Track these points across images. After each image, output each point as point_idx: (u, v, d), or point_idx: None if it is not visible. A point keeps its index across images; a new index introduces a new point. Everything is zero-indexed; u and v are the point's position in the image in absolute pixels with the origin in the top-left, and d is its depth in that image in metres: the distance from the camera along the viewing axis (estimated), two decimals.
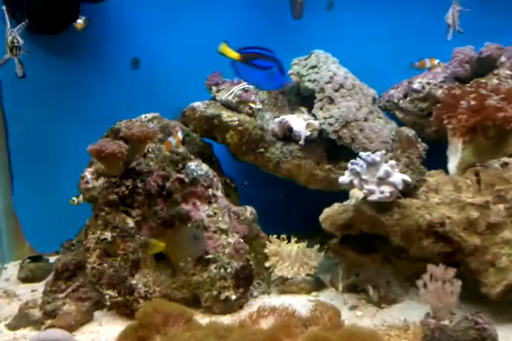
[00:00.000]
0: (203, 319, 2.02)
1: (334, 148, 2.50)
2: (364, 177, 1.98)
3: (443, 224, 1.87)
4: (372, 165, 1.97)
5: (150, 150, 2.21)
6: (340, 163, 2.46)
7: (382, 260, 2.28)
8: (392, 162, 1.95)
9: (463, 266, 1.94)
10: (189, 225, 2.15)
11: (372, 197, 1.92)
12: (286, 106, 2.79)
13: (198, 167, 2.21)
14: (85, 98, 2.78)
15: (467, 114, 2.00)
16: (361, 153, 1.98)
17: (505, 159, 2.06)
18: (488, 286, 1.84)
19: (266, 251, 2.40)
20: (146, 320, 1.62)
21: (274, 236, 2.45)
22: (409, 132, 2.58)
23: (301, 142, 2.45)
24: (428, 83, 2.74)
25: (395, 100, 2.85)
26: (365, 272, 2.27)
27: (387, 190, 1.89)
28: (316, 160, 2.48)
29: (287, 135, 2.50)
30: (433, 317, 1.73)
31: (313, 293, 2.34)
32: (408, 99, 2.80)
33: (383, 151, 1.96)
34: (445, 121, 2.12)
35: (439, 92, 2.67)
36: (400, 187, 1.91)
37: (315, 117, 2.50)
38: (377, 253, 2.28)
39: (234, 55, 1.87)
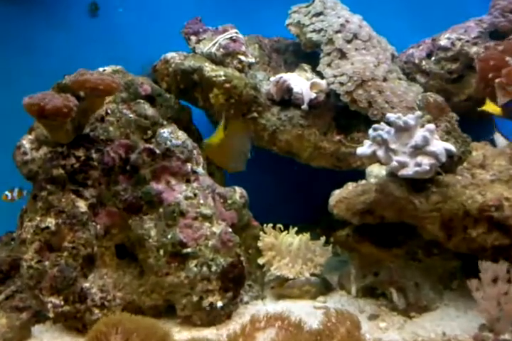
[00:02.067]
0: (180, 333, 1.67)
1: (345, 115, 2.13)
2: (392, 146, 1.60)
3: (500, 208, 1.51)
4: (403, 130, 1.60)
5: (109, 111, 1.81)
6: (352, 134, 2.09)
7: (407, 256, 1.92)
8: (431, 126, 1.57)
9: None
10: (161, 210, 1.74)
11: (406, 172, 1.54)
12: (282, 66, 2.41)
13: (172, 135, 1.81)
14: (31, 52, 2.40)
15: None
16: (389, 115, 1.60)
17: None
18: None
19: (259, 244, 2.03)
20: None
21: (270, 225, 2.07)
22: (438, 97, 2.20)
23: (304, 106, 2.06)
24: (459, 39, 2.38)
25: (416, 61, 2.48)
26: (386, 271, 1.91)
27: (425, 161, 1.52)
28: (323, 129, 2.11)
29: (286, 98, 2.11)
30: (490, 330, 1.38)
31: (320, 298, 2.00)
32: (433, 58, 2.44)
33: (419, 113, 1.58)
34: (497, 80, 1.74)
35: (473, 50, 2.31)
36: (443, 158, 1.54)
37: (321, 76, 2.10)
38: (400, 247, 1.92)
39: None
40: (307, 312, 1.83)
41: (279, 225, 2.10)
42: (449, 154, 1.58)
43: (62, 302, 1.58)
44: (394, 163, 1.59)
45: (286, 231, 2.07)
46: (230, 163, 1.83)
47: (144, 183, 1.76)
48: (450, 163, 1.63)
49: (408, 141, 1.59)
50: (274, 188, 2.51)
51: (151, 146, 1.78)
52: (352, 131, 2.11)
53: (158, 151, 1.78)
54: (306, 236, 2.07)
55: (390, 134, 1.62)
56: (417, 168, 1.53)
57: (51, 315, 1.60)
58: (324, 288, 2.04)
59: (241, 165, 1.89)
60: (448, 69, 2.37)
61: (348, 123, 2.13)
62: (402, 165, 1.57)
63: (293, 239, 2.05)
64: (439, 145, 1.55)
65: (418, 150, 1.55)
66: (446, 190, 1.59)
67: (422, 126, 1.60)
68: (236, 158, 1.80)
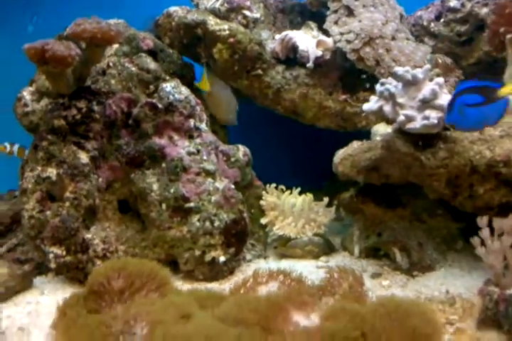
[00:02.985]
0: (182, 287, 1.65)
1: (352, 75, 2.09)
2: (400, 100, 1.57)
3: (508, 163, 1.48)
4: (411, 84, 1.56)
5: (111, 64, 1.77)
6: (358, 94, 2.04)
7: (411, 217, 1.91)
8: (440, 79, 1.54)
9: None
10: (163, 165, 1.72)
11: (413, 126, 1.52)
12: (287, 27, 2.36)
13: (175, 90, 1.77)
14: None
15: None
16: (397, 68, 1.57)
17: None
18: None
19: (262, 203, 2.01)
20: (101, 285, 1.21)
21: (273, 185, 2.06)
22: (447, 59, 2.16)
23: (310, 65, 2.02)
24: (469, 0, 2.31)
25: (425, 23, 2.42)
26: (389, 231, 1.90)
27: (433, 115, 1.49)
28: (328, 89, 2.07)
29: (291, 56, 2.06)
30: (496, 285, 1.36)
31: (323, 258, 1.99)
32: (442, 20, 2.38)
33: (428, 66, 1.55)
34: (502, 29, 1.69)
35: (483, 11, 2.25)
36: None
37: (327, 35, 2.06)
38: (404, 208, 1.91)
39: None
40: (309, 271, 1.82)
41: (282, 186, 2.08)
42: None
43: (64, 253, 1.57)
44: (401, 117, 1.56)
45: (289, 191, 2.06)
46: (220, 112, 1.81)
47: (146, 138, 1.73)
48: None
49: (416, 94, 1.55)
50: (274, 153, 2.47)
51: (154, 100, 1.75)
52: (358, 90, 2.07)
53: (160, 106, 1.75)
54: (310, 196, 2.06)
55: (398, 88, 1.59)
56: (425, 122, 1.50)
57: (53, 265, 1.59)
58: (327, 248, 2.03)
59: (233, 118, 1.88)
60: (457, 31, 2.32)
61: (354, 83, 2.09)
62: (410, 119, 1.54)
63: (296, 199, 2.04)
64: (448, 99, 1.52)
65: (426, 103, 1.52)
66: (454, 145, 1.56)
67: (431, 80, 1.57)
68: (226, 108, 1.78)
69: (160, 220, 1.67)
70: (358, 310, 1.24)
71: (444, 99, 1.52)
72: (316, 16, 2.29)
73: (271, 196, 2.04)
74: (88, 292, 1.25)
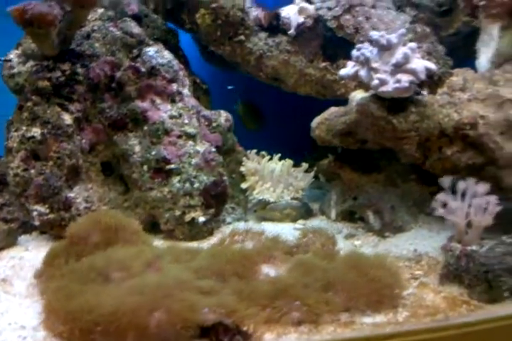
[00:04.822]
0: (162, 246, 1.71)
1: (332, 43, 2.11)
2: (374, 65, 1.61)
3: (475, 126, 1.53)
4: (386, 48, 1.60)
5: (96, 28, 1.79)
6: (339, 61, 2.07)
7: (385, 182, 1.96)
8: (413, 44, 1.57)
9: (493, 183, 1.61)
10: (145, 128, 1.76)
11: (385, 88, 1.56)
12: None
13: (158, 54, 1.80)
14: None
15: None
16: (372, 33, 1.59)
17: None
18: None
19: (242, 169, 2.06)
20: (80, 236, 1.26)
21: (253, 151, 2.10)
22: (426, 29, 2.18)
23: (292, 32, 2.04)
24: None
25: None
26: (365, 195, 1.96)
27: (405, 78, 1.53)
28: (310, 56, 2.09)
29: (274, 24, 2.08)
30: (458, 242, 1.42)
31: (300, 221, 2.05)
32: None
33: (403, 30, 1.57)
34: (476, 0, 1.72)
35: None
36: (422, 76, 1.55)
37: (309, 1, 2.07)
38: (379, 173, 1.96)
39: None
40: (287, 232, 1.87)
41: (263, 153, 2.12)
42: (429, 73, 1.58)
43: (48, 211, 1.62)
44: (375, 81, 1.59)
45: (269, 157, 2.10)
46: None
47: (129, 101, 1.76)
48: (431, 83, 1.64)
49: (390, 59, 1.59)
50: (257, 123, 2.49)
51: (137, 64, 1.78)
52: (338, 58, 2.09)
53: (143, 69, 1.78)
54: (289, 161, 2.10)
55: (373, 53, 1.62)
56: (397, 85, 1.54)
57: (37, 223, 1.64)
58: (305, 212, 2.09)
59: None
60: (437, 1, 2.33)
61: (334, 52, 2.11)
62: (383, 82, 1.58)
63: (275, 165, 2.08)
64: (420, 63, 1.56)
65: (398, 68, 1.56)
66: (424, 109, 1.60)
67: (404, 45, 1.60)
68: None
69: (141, 181, 1.71)
70: (317, 262, 1.30)
71: (416, 63, 1.56)
72: None
73: (251, 161, 2.08)
74: (69, 242, 1.31)
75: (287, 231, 1.92)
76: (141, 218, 1.75)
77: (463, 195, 1.43)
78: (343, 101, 2.09)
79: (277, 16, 2.07)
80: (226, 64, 2.27)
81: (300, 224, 2.02)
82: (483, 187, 1.41)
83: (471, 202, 1.41)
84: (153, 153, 1.72)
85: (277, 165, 2.08)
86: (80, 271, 1.15)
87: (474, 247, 1.37)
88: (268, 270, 1.35)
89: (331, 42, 2.10)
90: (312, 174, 2.12)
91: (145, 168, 1.71)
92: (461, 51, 2.20)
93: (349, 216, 2.01)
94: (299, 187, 2.08)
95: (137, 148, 1.73)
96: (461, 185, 1.43)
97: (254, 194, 2.06)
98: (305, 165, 2.12)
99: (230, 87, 2.30)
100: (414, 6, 2.40)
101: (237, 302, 1.13)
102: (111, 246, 1.27)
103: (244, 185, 2.06)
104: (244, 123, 2.35)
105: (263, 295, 1.17)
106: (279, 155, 2.10)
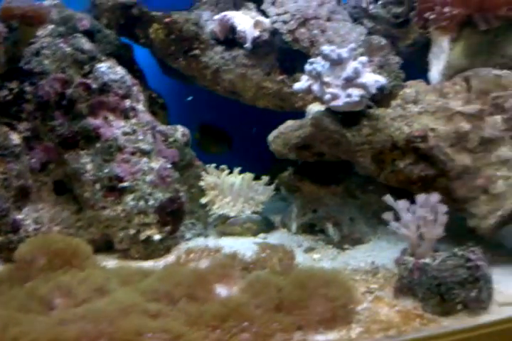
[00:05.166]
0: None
1: (289, 56, 2.12)
2: (326, 79, 1.61)
3: (425, 139, 1.54)
4: (337, 63, 1.60)
5: (45, 45, 1.75)
6: (295, 74, 2.07)
7: (344, 194, 1.97)
8: (364, 58, 1.58)
9: (446, 194, 1.62)
10: (98, 145, 1.73)
11: (337, 103, 1.56)
12: (231, 9, 2.35)
13: (110, 70, 1.78)
14: None
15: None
16: (324, 48, 1.60)
17: (497, 71, 1.72)
18: (478, 218, 1.55)
19: (202, 183, 2.04)
20: (26, 260, 1.22)
21: (213, 165, 2.08)
22: (382, 40, 2.20)
23: (248, 45, 2.04)
24: None
25: (364, 5, 2.45)
26: (324, 208, 1.96)
27: (355, 92, 1.53)
28: (266, 69, 2.09)
29: (230, 37, 2.08)
30: (411, 255, 1.42)
31: (261, 235, 2.04)
32: (380, 2, 2.40)
33: (353, 45, 1.58)
34: (426, 14, 1.74)
35: None
36: (373, 90, 1.56)
37: (265, 15, 2.07)
38: (338, 185, 1.96)
39: None
40: (247, 247, 1.85)
41: (223, 166, 2.11)
42: (380, 87, 1.59)
43: None
44: (327, 96, 1.60)
45: (228, 171, 2.09)
46: None
47: (80, 118, 1.74)
48: (382, 97, 1.65)
49: (341, 73, 1.59)
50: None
51: (88, 81, 1.75)
52: (296, 71, 2.10)
53: (94, 86, 1.75)
54: (249, 175, 2.09)
55: (325, 68, 1.62)
56: (347, 99, 1.54)
57: None
58: (266, 225, 2.08)
59: None
60: (393, 13, 2.35)
61: (291, 65, 2.12)
62: (334, 97, 1.58)
63: (235, 179, 2.07)
64: (370, 78, 1.57)
65: (349, 82, 1.57)
66: (376, 122, 1.61)
67: (355, 59, 1.61)
68: None
69: (94, 200, 1.68)
70: (272, 279, 1.29)
71: (366, 77, 1.57)
72: None
73: (210, 176, 2.06)
74: (15, 267, 1.27)
75: (247, 245, 1.90)
76: (94, 238, 1.72)
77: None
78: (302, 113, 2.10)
79: (233, 29, 2.06)
80: (185, 77, 2.26)
81: (261, 238, 2.01)
82: (433, 198, 1.42)
83: (421, 214, 1.42)
84: (106, 171, 1.69)
85: (237, 178, 2.07)
86: (21, 297, 1.12)
87: (427, 260, 1.37)
88: (221, 290, 1.33)
89: (288, 55, 2.10)
90: (272, 187, 2.11)
91: (97, 186, 1.68)
92: (419, 61, 2.22)
93: (310, 228, 2.00)
94: (260, 200, 2.07)
95: (89, 167, 1.70)
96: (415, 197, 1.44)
97: (214, 209, 2.04)
98: (265, 179, 2.12)
99: (188, 99, 2.28)
100: (372, 18, 2.43)
101: (185, 325, 1.11)
102: (58, 270, 1.24)
103: (203, 200, 2.04)
104: (205, 149, 2.33)
105: (213, 317, 1.16)
106: (239, 168, 2.09)
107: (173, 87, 2.44)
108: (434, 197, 1.42)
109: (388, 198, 1.39)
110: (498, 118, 1.57)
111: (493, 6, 1.59)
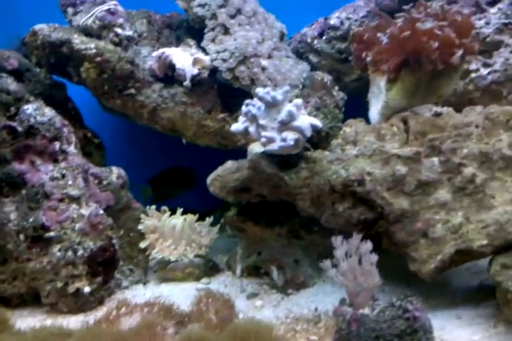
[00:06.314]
0: (46, 321, 1.57)
1: (231, 94, 2.08)
2: (262, 122, 1.58)
3: (362, 183, 1.51)
4: (272, 105, 1.57)
5: None
6: (237, 112, 2.03)
7: (289, 235, 1.92)
8: (299, 101, 1.55)
9: (386, 237, 1.60)
10: (23, 192, 1.64)
11: (272, 147, 1.52)
12: (173, 43, 2.32)
13: (37, 111, 1.70)
14: None
15: (394, 43, 1.64)
16: (258, 90, 1.57)
17: (438, 109, 1.72)
18: (419, 262, 1.52)
19: (140, 227, 1.96)
20: None
21: (153, 207, 2.01)
22: (325, 77, 2.19)
23: (187, 83, 2.00)
24: (348, 18, 2.37)
25: (309, 40, 2.46)
26: (268, 250, 1.91)
27: (290, 136, 1.50)
28: (207, 107, 2.04)
29: (169, 74, 2.03)
30: (350, 305, 1.38)
31: (204, 280, 1.97)
32: (324, 38, 2.42)
33: (287, 87, 1.56)
34: (364, 54, 1.74)
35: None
36: (308, 133, 1.53)
37: (205, 52, 2.04)
38: (282, 226, 1.92)
39: None
40: (188, 294, 1.78)
41: (164, 208, 2.04)
42: (315, 129, 1.57)
43: None
44: (263, 139, 1.56)
45: (169, 213, 2.02)
46: None
47: (4, 163, 1.65)
48: (320, 139, 1.62)
49: (277, 116, 1.56)
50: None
51: (13, 124, 1.67)
52: (237, 109, 2.06)
53: (20, 129, 1.67)
54: (192, 217, 2.02)
55: (261, 110, 1.59)
56: (282, 143, 1.51)
57: None
58: (209, 269, 2.01)
59: None
60: (338, 48, 2.36)
61: (233, 102, 2.08)
62: (270, 140, 1.54)
63: (176, 221, 2.00)
64: (305, 121, 1.54)
65: (284, 125, 1.53)
66: (314, 165, 1.58)
67: (290, 101, 1.58)
68: None
69: (18, 252, 1.59)
70: (206, 337, 1.22)
71: (302, 120, 1.54)
72: (203, 33, 2.27)
73: (150, 218, 1.99)
74: None
75: (188, 292, 1.83)
76: (20, 291, 1.62)
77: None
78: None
79: (172, 67, 2.02)
80: (125, 115, 2.20)
81: (203, 283, 1.94)
82: (366, 245, 1.38)
83: (354, 263, 1.37)
84: (31, 220, 1.60)
85: (179, 220, 2.00)
86: None
87: (365, 311, 1.33)
88: None
89: (230, 92, 2.06)
90: (217, 229, 2.05)
91: (21, 237, 1.59)
92: (365, 95, 2.22)
93: (255, 271, 1.94)
94: (203, 243, 2.00)
95: (13, 216, 1.61)
96: (347, 243, 1.40)
97: (153, 253, 1.96)
98: (208, 220, 2.06)
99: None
100: (317, 53, 2.43)
101: None
102: None
103: (143, 244, 1.96)
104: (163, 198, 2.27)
105: None
106: (181, 209, 2.02)
107: (114, 124, 2.37)
108: (367, 243, 1.38)
109: (336, 240, 1.34)
110: (435, 160, 1.56)
111: (427, 50, 1.60)
